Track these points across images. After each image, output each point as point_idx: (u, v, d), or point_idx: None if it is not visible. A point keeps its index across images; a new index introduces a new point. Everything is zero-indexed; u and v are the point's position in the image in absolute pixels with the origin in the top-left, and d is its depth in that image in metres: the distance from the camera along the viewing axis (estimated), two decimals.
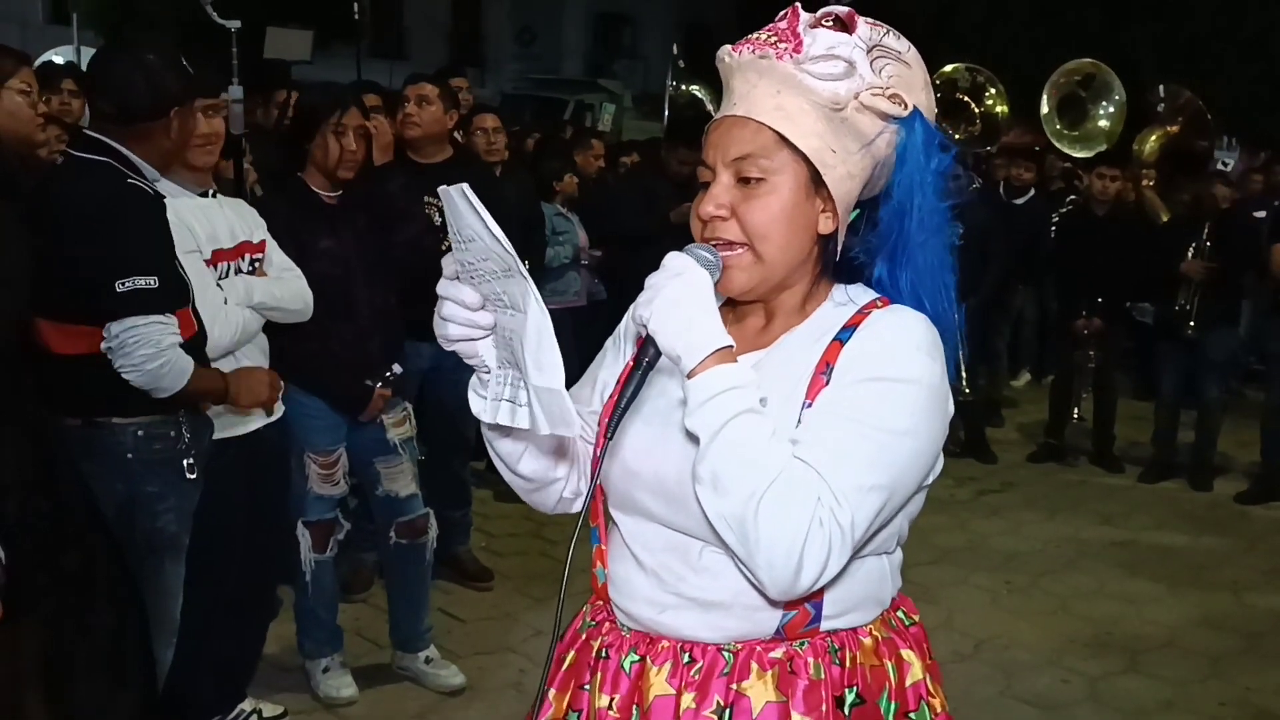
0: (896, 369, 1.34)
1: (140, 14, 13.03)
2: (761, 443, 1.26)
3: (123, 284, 2.54)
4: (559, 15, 25.13)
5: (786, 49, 1.36)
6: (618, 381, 1.47)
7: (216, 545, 2.95)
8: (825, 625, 1.41)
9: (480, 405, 1.38)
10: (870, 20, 1.40)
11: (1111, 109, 8.03)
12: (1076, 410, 6.85)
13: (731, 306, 1.49)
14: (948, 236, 1.42)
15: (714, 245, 1.39)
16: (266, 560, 3.33)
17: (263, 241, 3.17)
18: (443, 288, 1.34)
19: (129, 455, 2.70)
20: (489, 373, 1.37)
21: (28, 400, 2.39)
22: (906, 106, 1.37)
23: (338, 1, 11.17)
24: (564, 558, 1.34)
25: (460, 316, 1.33)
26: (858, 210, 1.42)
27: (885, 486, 1.30)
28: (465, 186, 1.23)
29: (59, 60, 7.35)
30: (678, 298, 1.30)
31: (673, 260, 1.34)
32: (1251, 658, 4.16)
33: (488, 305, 1.33)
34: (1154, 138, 7.26)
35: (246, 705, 3.33)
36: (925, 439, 1.35)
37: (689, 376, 1.29)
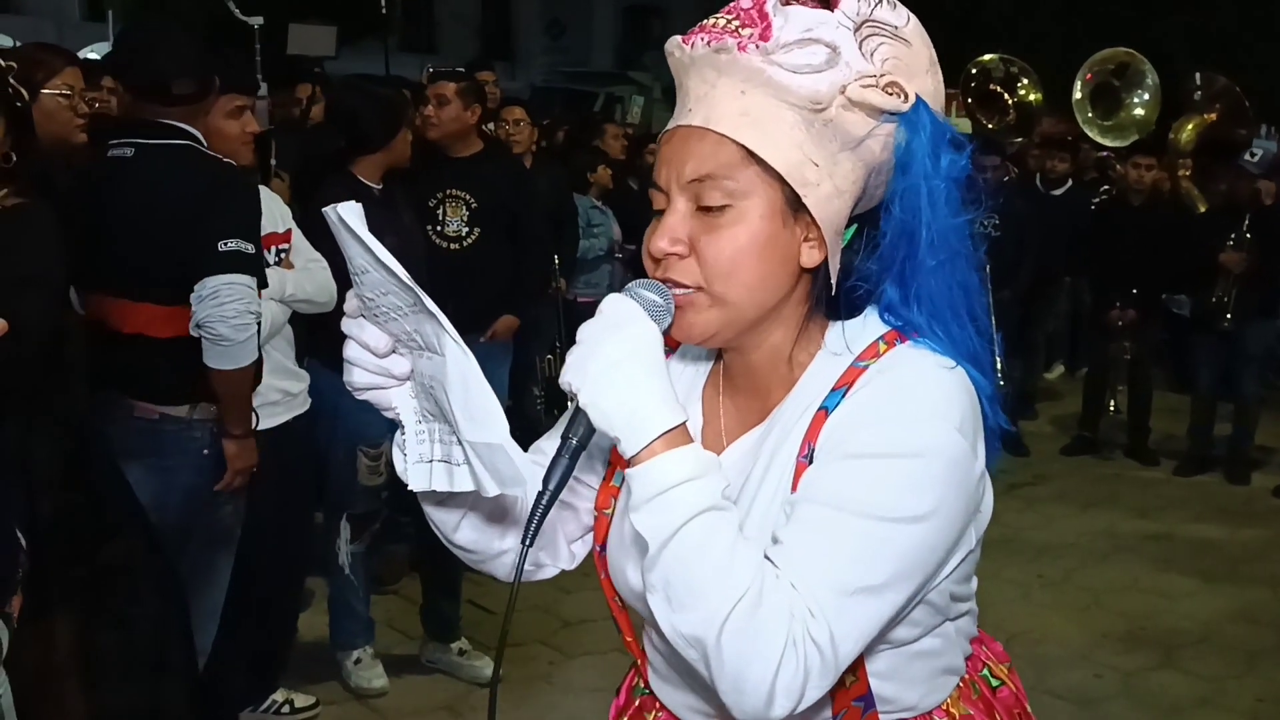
0: (893, 442, 1.06)
1: (167, 9, 13.14)
2: (724, 550, 1.00)
3: (225, 244, 2.60)
4: (588, 7, 25.10)
5: (751, 35, 1.07)
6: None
7: (251, 536, 2.99)
8: (891, 718, 1.19)
9: (402, 466, 1.12)
10: None
11: (1146, 98, 7.94)
12: (1112, 403, 6.79)
13: (720, 361, 1.25)
14: (967, 257, 1.13)
15: (670, 287, 1.10)
16: (296, 552, 3.36)
17: (288, 231, 3.21)
18: (345, 325, 1.10)
19: (205, 451, 2.76)
20: (406, 429, 1.12)
21: (67, 395, 2.43)
22: (907, 97, 1.08)
23: None
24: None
25: (366, 362, 1.09)
26: (852, 227, 1.13)
27: (878, 587, 1.04)
28: (352, 205, 1.01)
29: (95, 56, 7.42)
30: (615, 359, 1.02)
31: (612, 307, 1.06)
32: None
33: (399, 348, 1.09)
34: (1190, 126, 7.17)
35: (279, 695, 3.36)
36: (939, 521, 1.06)
37: (630, 464, 1.03)
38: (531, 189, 4.49)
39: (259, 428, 3.02)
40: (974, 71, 7.41)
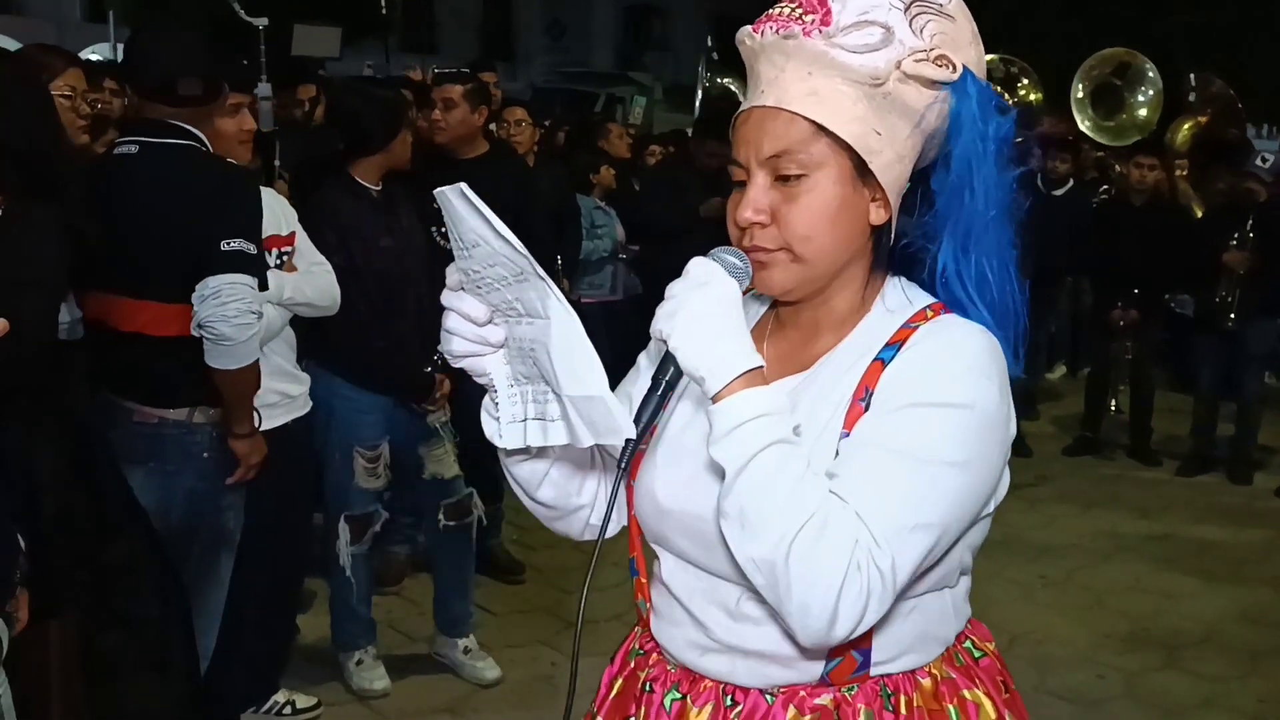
0: (944, 393, 1.19)
1: (170, 10, 13.15)
2: (794, 478, 1.12)
3: (228, 244, 2.59)
4: (589, 8, 25.12)
5: (814, 21, 1.20)
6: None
7: (250, 538, 2.98)
8: (877, 670, 1.28)
9: (493, 429, 1.24)
10: None
11: (1148, 97, 7.93)
12: (1114, 402, 6.78)
13: (775, 312, 1.38)
14: (1012, 212, 1.27)
15: (753, 253, 1.25)
16: (294, 553, 3.36)
17: (292, 234, 3.19)
18: (446, 299, 1.21)
19: (205, 454, 2.76)
20: (499, 393, 1.23)
21: (67, 397, 2.42)
22: (955, 68, 1.21)
23: None
24: (591, 551, 1.25)
25: (466, 331, 1.21)
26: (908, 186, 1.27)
27: (933, 525, 1.16)
28: (463, 186, 1.10)
29: (96, 58, 7.42)
30: (702, 311, 1.16)
31: (697, 268, 1.19)
32: None
33: (496, 317, 1.21)
34: (1186, 127, 7.17)
35: (280, 696, 3.36)
36: (979, 469, 1.20)
37: (714, 400, 1.15)
38: (534, 189, 4.49)
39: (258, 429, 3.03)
40: None
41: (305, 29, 6.57)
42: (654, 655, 1.40)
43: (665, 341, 1.18)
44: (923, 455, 1.16)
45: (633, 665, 1.44)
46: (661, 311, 1.18)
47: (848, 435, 1.21)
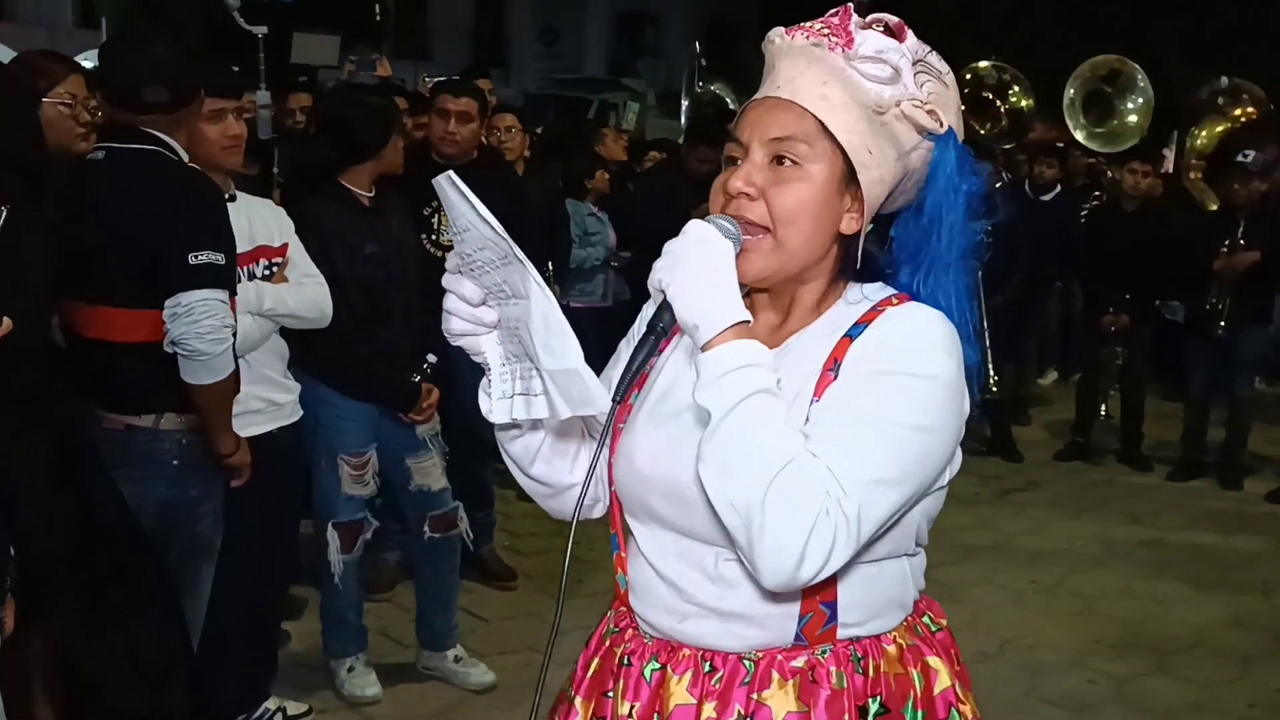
0: (910, 364, 1.30)
1: (168, 19, 13.14)
2: (775, 426, 1.22)
3: (196, 256, 2.58)
4: (581, 14, 25.12)
5: (839, 43, 1.34)
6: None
7: (234, 546, 2.97)
8: (846, 633, 1.38)
9: (488, 406, 1.35)
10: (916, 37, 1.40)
11: (1139, 104, 7.97)
12: (1104, 408, 6.80)
13: (747, 300, 1.43)
14: (972, 263, 1.40)
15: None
16: (281, 560, 3.35)
17: (284, 245, 3.17)
18: (446, 281, 1.33)
19: (175, 461, 2.74)
20: (492, 371, 1.34)
21: (55, 403, 2.42)
22: (943, 124, 1.36)
23: (360, 4, 11.22)
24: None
25: (462, 311, 1.32)
26: (870, 225, 1.39)
27: (895, 481, 1.26)
28: (452, 174, 1.20)
29: (88, 65, 7.41)
30: (699, 266, 1.26)
31: (695, 228, 1.30)
32: None
33: (490, 299, 1.31)
34: (1217, 129, 7.19)
35: (271, 704, 3.35)
36: (940, 436, 1.31)
37: (703, 349, 1.25)
38: (524, 196, 4.49)
39: (241, 436, 3.00)
40: (967, 78, 7.44)
41: (304, 37, 6.58)
42: (630, 630, 1.48)
43: (664, 292, 1.27)
44: (888, 417, 1.27)
45: (608, 643, 1.51)
46: (660, 264, 1.29)
47: (818, 402, 1.31)
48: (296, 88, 5.55)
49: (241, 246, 3.03)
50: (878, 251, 1.40)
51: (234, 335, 2.68)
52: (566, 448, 1.48)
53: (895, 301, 1.37)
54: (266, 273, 3.11)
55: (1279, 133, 7.12)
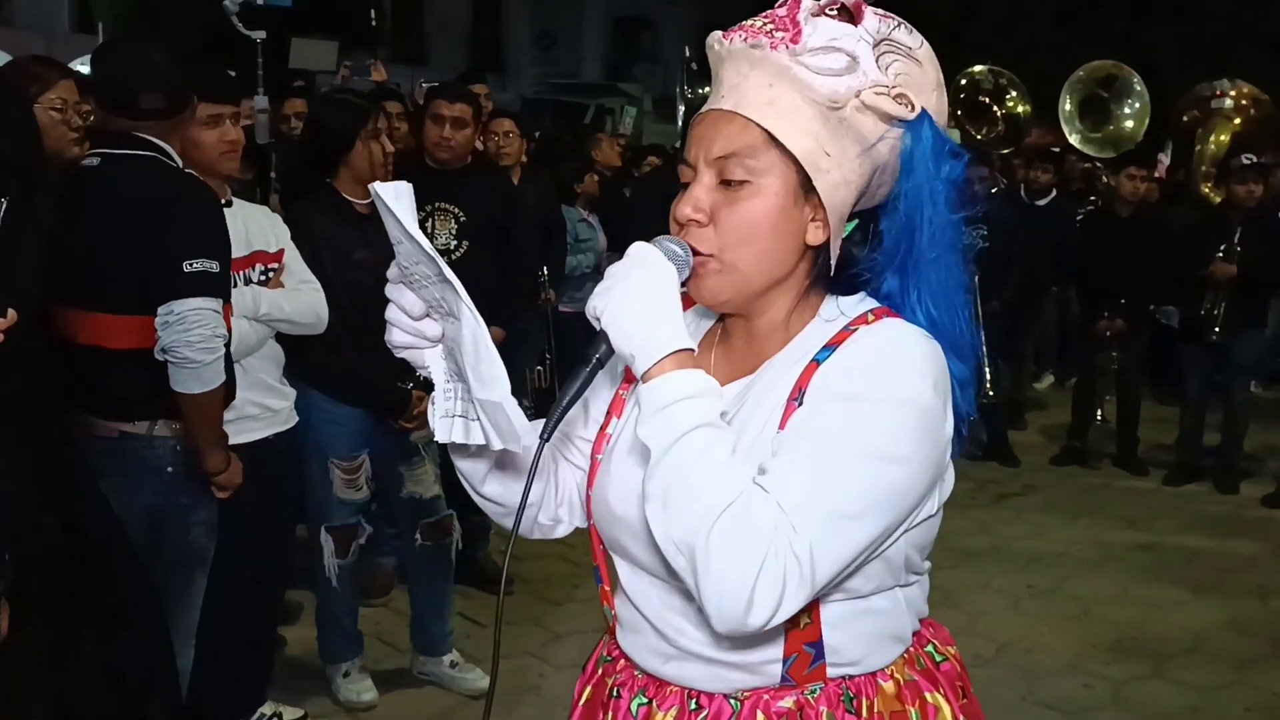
0: (879, 388, 1.19)
1: (166, 24, 13.14)
2: (718, 461, 1.12)
3: (190, 264, 2.56)
4: (578, 19, 25.16)
5: (783, 38, 1.22)
6: (566, 389, 1.24)
7: (229, 552, 2.96)
8: (837, 671, 1.29)
9: (432, 422, 1.27)
10: (880, 12, 1.26)
11: (1135, 109, 7.99)
12: (1100, 412, 6.81)
13: (721, 325, 1.39)
14: (962, 251, 1.28)
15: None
16: (276, 565, 3.34)
17: (280, 251, 3.16)
18: (388, 290, 1.25)
19: (169, 468, 2.72)
20: (436, 387, 1.27)
21: (44, 410, 2.41)
22: (914, 109, 1.23)
23: (358, 9, 11.23)
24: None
25: (403, 323, 1.25)
26: (854, 222, 1.29)
27: (856, 515, 1.15)
28: (390, 184, 1.14)
29: (85, 70, 7.41)
30: (636, 290, 1.17)
31: (637, 250, 1.21)
32: (1278, 662, 4.11)
33: (433, 313, 1.24)
34: (1226, 134, 7.21)
35: (267, 709, 3.35)
36: (912, 467, 1.19)
37: (643, 380, 1.16)
38: (520, 202, 4.49)
39: (237, 442, 2.99)
40: (963, 83, 7.47)
41: (302, 42, 6.58)
42: (621, 661, 1.42)
43: (599, 320, 1.19)
44: (849, 446, 1.16)
45: (600, 672, 1.46)
46: (598, 289, 1.21)
47: (781, 433, 1.22)
48: (293, 93, 5.55)
49: (238, 252, 3.02)
50: (858, 253, 1.29)
51: (226, 345, 2.67)
52: (519, 469, 1.38)
53: (870, 319, 1.27)
54: (263, 278, 3.11)
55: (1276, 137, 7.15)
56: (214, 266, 2.61)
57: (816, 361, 1.24)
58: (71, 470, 2.43)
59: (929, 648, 1.39)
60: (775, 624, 1.12)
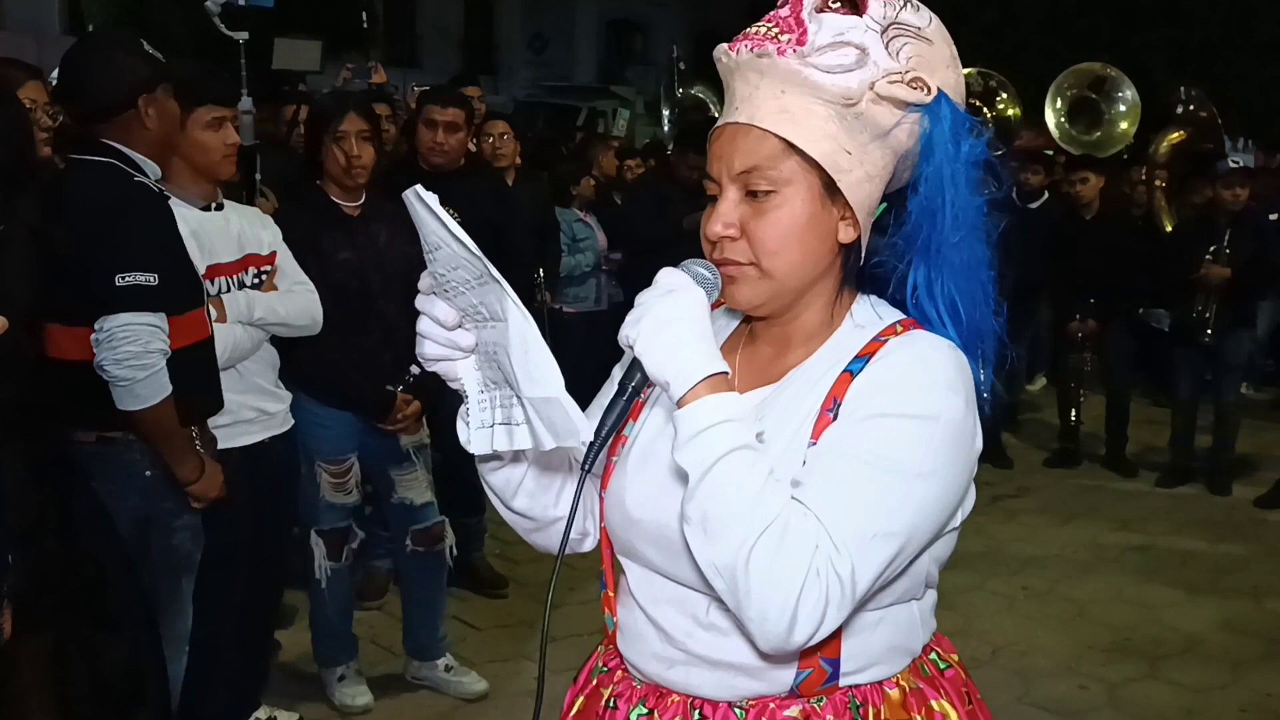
0: (911, 404, 1.19)
1: (151, 25, 13.09)
2: (756, 484, 1.12)
3: (123, 278, 2.50)
4: (571, 22, 25.16)
5: (789, 41, 1.21)
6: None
7: (223, 556, 2.94)
8: (846, 680, 1.29)
9: (466, 435, 1.24)
10: None
11: (1125, 111, 8.01)
12: (1074, 413, 6.79)
13: (748, 326, 1.39)
14: (984, 233, 1.27)
15: (723, 266, 1.26)
16: (271, 569, 3.32)
17: (273, 253, 3.14)
18: (418, 302, 1.23)
19: (147, 473, 2.67)
20: (469, 399, 1.24)
21: (37, 415, 2.39)
22: (930, 91, 1.22)
23: (349, 11, 11.20)
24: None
25: (437, 335, 1.22)
26: (884, 205, 1.28)
27: (894, 534, 1.16)
28: (419, 188, 1.13)
29: None
30: (668, 318, 1.17)
31: (666, 276, 1.21)
32: (1272, 663, 4.12)
33: (466, 322, 1.21)
34: (1170, 139, 7.24)
35: (262, 713, 3.34)
36: (945, 481, 1.20)
37: (678, 406, 1.16)
38: (514, 204, 4.48)
39: (233, 445, 2.97)
40: None
41: (285, 43, 6.54)
42: (619, 672, 1.40)
43: (632, 347, 1.19)
44: (887, 465, 1.17)
45: (595, 683, 1.43)
46: (629, 318, 1.20)
47: (815, 445, 1.21)
48: (284, 96, 5.52)
49: (230, 255, 3.01)
50: (880, 240, 1.28)
51: (163, 358, 2.55)
52: (550, 481, 1.39)
53: (899, 330, 1.27)
54: (256, 281, 3.08)
55: (1221, 139, 7.17)
56: (150, 279, 2.51)
57: (850, 372, 1.24)
58: (67, 475, 2.41)
59: (932, 655, 1.39)
60: (817, 641, 1.14)
